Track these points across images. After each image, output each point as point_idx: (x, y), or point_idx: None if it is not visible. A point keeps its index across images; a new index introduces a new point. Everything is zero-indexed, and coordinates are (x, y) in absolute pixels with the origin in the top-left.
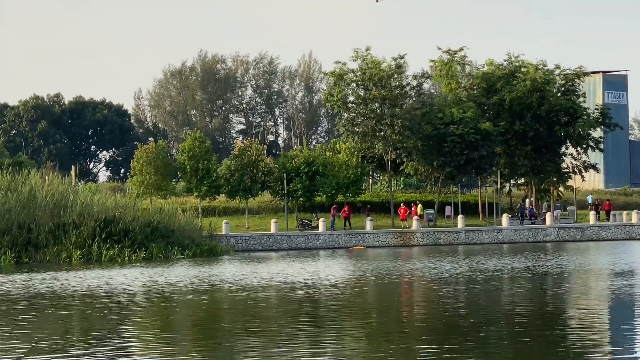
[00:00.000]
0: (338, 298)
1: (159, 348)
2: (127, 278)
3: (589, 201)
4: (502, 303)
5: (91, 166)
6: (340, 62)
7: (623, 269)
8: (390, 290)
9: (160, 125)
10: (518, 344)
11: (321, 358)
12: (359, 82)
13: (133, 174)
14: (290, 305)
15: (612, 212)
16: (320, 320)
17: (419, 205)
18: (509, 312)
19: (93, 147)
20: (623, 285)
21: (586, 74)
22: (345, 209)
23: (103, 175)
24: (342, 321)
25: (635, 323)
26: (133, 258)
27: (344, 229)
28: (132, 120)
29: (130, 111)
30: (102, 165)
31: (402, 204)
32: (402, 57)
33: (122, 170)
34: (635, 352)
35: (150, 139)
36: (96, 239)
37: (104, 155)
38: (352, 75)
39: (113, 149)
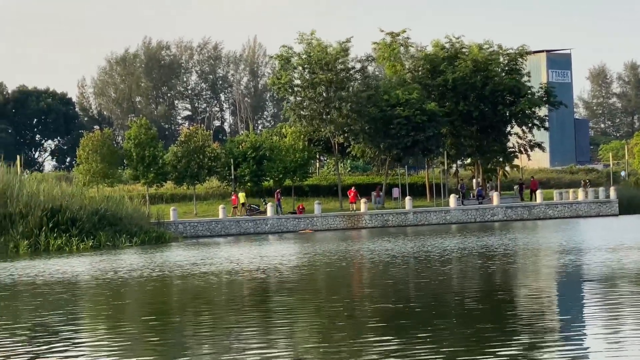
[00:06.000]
0: (290, 281)
1: (108, 336)
2: (82, 267)
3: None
4: (454, 282)
5: (36, 155)
6: (286, 46)
7: (572, 247)
8: (340, 272)
9: (105, 113)
10: (468, 325)
11: (275, 345)
12: (305, 66)
13: (79, 163)
14: (242, 290)
15: (552, 191)
16: (272, 305)
17: (241, 194)
18: (461, 292)
19: (38, 136)
20: (572, 262)
21: (529, 52)
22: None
23: (48, 164)
24: (294, 305)
25: (585, 299)
26: (81, 247)
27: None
28: (76, 109)
29: (74, 99)
30: (47, 154)
31: (352, 187)
32: (348, 41)
33: (68, 159)
34: (584, 326)
35: (95, 127)
36: (43, 229)
37: (49, 144)
38: (298, 58)
39: (58, 138)
